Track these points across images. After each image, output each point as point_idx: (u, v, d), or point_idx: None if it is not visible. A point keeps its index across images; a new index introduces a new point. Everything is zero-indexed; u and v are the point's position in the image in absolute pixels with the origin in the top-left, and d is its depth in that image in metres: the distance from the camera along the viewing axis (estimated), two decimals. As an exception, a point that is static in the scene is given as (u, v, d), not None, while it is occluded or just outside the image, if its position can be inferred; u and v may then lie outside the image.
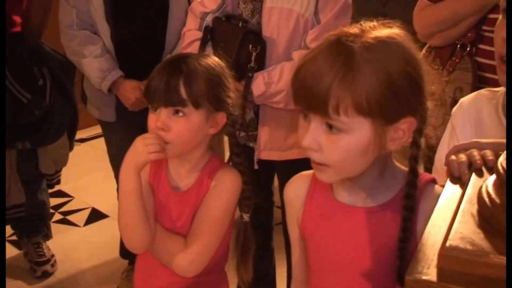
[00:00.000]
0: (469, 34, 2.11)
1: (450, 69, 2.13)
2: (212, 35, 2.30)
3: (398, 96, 1.18)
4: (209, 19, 2.31)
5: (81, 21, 2.60)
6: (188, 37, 2.36)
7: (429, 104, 1.24)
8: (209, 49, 2.28)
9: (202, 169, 1.68)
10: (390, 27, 1.25)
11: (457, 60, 2.13)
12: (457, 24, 2.12)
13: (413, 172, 1.26)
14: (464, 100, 1.72)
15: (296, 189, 1.43)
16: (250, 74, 2.21)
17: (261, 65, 2.24)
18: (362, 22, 1.24)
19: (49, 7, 2.78)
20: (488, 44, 2.07)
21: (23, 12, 2.72)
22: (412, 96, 1.20)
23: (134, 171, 1.59)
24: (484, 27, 2.09)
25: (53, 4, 2.81)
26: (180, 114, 1.60)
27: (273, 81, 2.21)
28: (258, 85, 2.21)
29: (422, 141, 1.28)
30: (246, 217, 1.75)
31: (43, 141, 2.80)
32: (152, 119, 1.62)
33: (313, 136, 1.20)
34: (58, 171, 3.05)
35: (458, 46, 2.13)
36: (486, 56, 2.09)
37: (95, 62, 2.57)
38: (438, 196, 1.15)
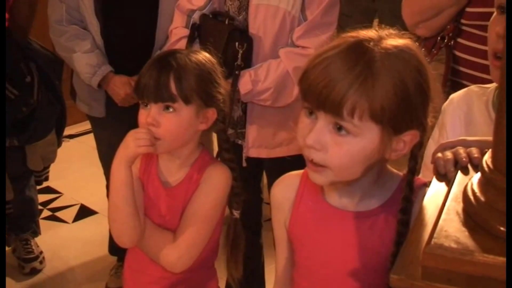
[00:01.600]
0: (448, 27, 2.15)
1: (429, 60, 2.16)
2: (199, 32, 2.30)
3: (410, 107, 1.18)
4: (196, 16, 2.31)
5: (71, 16, 2.59)
6: (175, 34, 2.36)
7: (429, 120, 1.24)
8: (196, 47, 2.27)
9: (192, 164, 1.69)
10: (404, 37, 1.23)
11: (435, 52, 2.17)
12: (437, 14, 2.15)
13: (410, 186, 1.25)
14: (454, 96, 1.72)
15: (284, 191, 1.41)
16: (237, 72, 2.20)
17: (247, 62, 2.24)
18: (376, 28, 1.23)
19: (35, 2, 2.76)
20: (466, 39, 2.11)
21: (9, 8, 2.70)
22: (421, 108, 1.21)
23: (125, 164, 1.59)
24: (463, 21, 2.12)
25: (40, 0, 2.80)
26: (170, 110, 1.60)
27: (260, 79, 2.21)
28: (245, 83, 2.21)
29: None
30: (236, 213, 1.75)
31: (31, 138, 2.78)
32: (143, 115, 1.63)
33: (317, 135, 1.18)
34: (46, 168, 3.03)
35: (439, 38, 2.15)
36: (464, 51, 2.13)
37: (84, 58, 2.56)
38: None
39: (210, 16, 2.29)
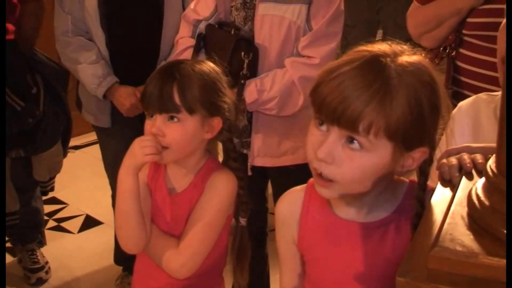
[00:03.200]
0: (450, 37, 2.18)
1: None
2: (205, 42, 2.32)
3: (423, 125, 1.18)
4: (202, 27, 2.33)
5: (76, 28, 2.61)
6: (181, 44, 2.38)
7: (438, 137, 1.25)
8: (201, 56, 2.29)
9: (198, 171, 1.70)
10: (417, 54, 1.23)
11: (437, 62, 2.20)
12: (439, 25, 2.19)
13: (420, 201, 1.25)
14: (463, 104, 1.74)
15: (289, 207, 1.39)
16: (242, 81, 2.21)
17: (253, 72, 2.25)
18: (389, 42, 1.22)
19: (41, 14, 2.79)
20: (468, 49, 2.14)
21: (16, 19, 2.73)
22: (433, 126, 1.21)
23: (132, 172, 1.61)
24: (464, 31, 2.15)
25: (46, 12, 2.82)
26: (175, 120, 1.62)
27: (266, 89, 2.22)
28: (251, 92, 2.22)
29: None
30: (243, 221, 1.76)
31: (37, 149, 2.80)
32: (148, 125, 1.64)
33: (330, 149, 1.16)
34: (52, 178, 3.05)
35: (441, 48, 2.17)
36: (465, 61, 2.15)
37: (90, 69, 2.58)
38: None
39: (216, 26, 2.31)
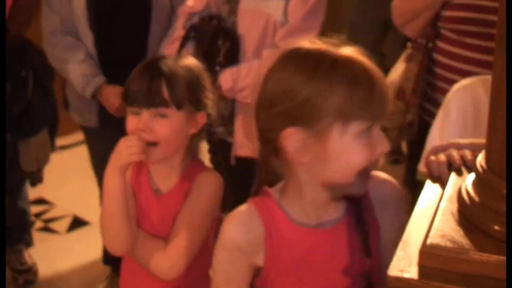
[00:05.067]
0: (428, 29, 2.24)
1: (409, 59, 2.26)
2: (197, 34, 2.41)
3: None
4: (195, 19, 2.43)
5: (64, 28, 2.60)
6: (172, 34, 2.49)
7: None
8: (190, 46, 2.39)
9: (183, 172, 1.69)
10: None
11: (415, 52, 2.27)
12: (416, 17, 2.25)
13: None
14: (458, 86, 1.75)
15: (245, 235, 1.30)
16: (217, 68, 2.31)
17: (231, 62, 2.34)
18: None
19: (34, 8, 2.77)
20: (444, 42, 2.18)
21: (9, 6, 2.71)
22: None
23: (118, 172, 1.60)
24: (439, 24, 2.21)
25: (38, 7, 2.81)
26: (162, 116, 1.61)
27: (241, 77, 2.31)
28: (226, 79, 2.31)
29: None
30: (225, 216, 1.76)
31: (25, 133, 2.79)
32: (133, 122, 1.63)
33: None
34: (41, 169, 3.02)
35: (420, 40, 2.25)
36: (440, 53, 2.23)
37: (78, 68, 2.57)
38: (384, 179, 1.26)
39: (206, 19, 2.41)
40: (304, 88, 1.17)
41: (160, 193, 1.70)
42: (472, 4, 2.10)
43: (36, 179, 3.05)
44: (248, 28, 2.33)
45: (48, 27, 2.62)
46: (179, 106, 1.62)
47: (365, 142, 1.18)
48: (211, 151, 1.77)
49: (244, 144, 2.37)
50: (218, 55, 2.33)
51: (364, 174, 1.21)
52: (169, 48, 2.48)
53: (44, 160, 2.98)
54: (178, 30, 2.47)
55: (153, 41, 2.60)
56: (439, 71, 2.23)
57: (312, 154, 1.20)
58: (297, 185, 1.27)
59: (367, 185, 1.24)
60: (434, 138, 1.72)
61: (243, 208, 1.33)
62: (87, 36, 2.57)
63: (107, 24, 2.58)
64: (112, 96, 2.57)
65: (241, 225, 1.31)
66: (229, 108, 2.39)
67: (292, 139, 1.19)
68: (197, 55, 2.33)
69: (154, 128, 1.61)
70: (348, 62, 1.19)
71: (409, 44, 2.33)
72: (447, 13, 2.18)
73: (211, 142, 1.78)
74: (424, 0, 2.20)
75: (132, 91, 1.64)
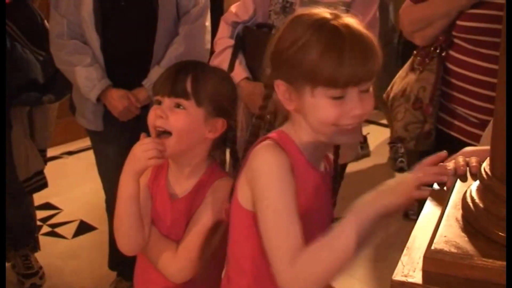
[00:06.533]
0: (441, 38, 2.21)
1: (420, 68, 2.25)
2: (242, 43, 2.41)
3: None
4: (239, 28, 2.43)
5: (71, 31, 2.61)
6: (220, 44, 2.47)
7: None
8: (240, 56, 2.38)
9: (201, 176, 1.70)
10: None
11: (427, 61, 2.23)
12: (429, 25, 2.22)
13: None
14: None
15: (282, 155, 1.33)
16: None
17: None
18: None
19: None
20: (457, 51, 2.16)
21: None
22: None
23: (133, 178, 1.60)
24: (454, 33, 2.18)
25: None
26: (181, 107, 1.63)
27: None
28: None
29: None
30: None
31: (60, 94, 2.91)
32: (153, 110, 1.66)
33: (362, 104, 1.33)
34: (39, 174, 3.05)
35: (432, 48, 2.21)
36: (454, 63, 2.19)
37: (84, 72, 2.58)
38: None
39: (254, 28, 2.39)
40: (291, 48, 1.32)
41: (176, 197, 1.71)
42: (486, 14, 2.08)
43: (40, 183, 3.07)
44: None
45: (55, 30, 2.64)
46: (199, 102, 1.64)
47: (336, 103, 1.31)
48: (232, 164, 1.77)
49: None
50: None
51: (342, 130, 1.33)
52: (215, 59, 2.45)
53: (51, 136, 3.07)
54: (223, 40, 2.44)
55: (159, 44, 2.61)
56: (453, 80, 2.19)
57: (294, 105, 1.36)
58: (299, 128, 1.39)
59: (350, 139, 1.39)
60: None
61: (266, 142, 1.38)
62: (94, 40, 2.59)
63: (114, 28, 2.60)
64: (117, 99, 2.58)
65: (271, 150, 1.35)
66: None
67: (280, 89, 1.37)
68: (250, 66, 2.35)
69: (170, 117, 1.63)
70: (331, 30, 1.31)
71: (415, 52, 2.32)
72: (461, 22, 2.15)
73: (233, 156, 1.77)
74: (440, 9, 2.17)
75: (160, 79, 1.68)
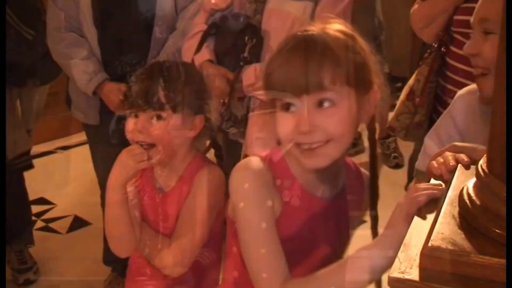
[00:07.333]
0: (441, 33, 2.28)
1: (420, 62, 2.29)
2: (217, 30, 2.44)
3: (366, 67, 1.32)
4: (217, 16, 2.45)
5: (69, 24, 2.62)
6: (194, 28, 2.51)
7: None
8: (210, 41, 2.40)
9: (185, 169, 1.71)
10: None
11: (426, 56, 2.31)
12: (432, 22, 2.29)
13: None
14: (463, 92, 1.77)
15: (265, 174, 1.32)
16: (241, 63, 2.32)
17: (255, 59, 2.36)
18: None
19: None
20: (457, 47, 2.21)
21: None
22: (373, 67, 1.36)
23: (121, 184, 1.62)
24: (453, 28, 2.25)
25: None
26: (159, 118, 1.63)
27: None
28: (249, 75, 2.32)
29: None
30: None
31: (48, 76, 2.85)
32: (131, 122, 1.66)
33: (310, 119, 1.23)
34: (26, 153, 3.01)
35: (436, 45, 2.28)
36: (454, 58, 2.25)
37: (81, 65, 2.58)
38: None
39: (229, 16, 2.43)
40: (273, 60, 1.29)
41: (163, 192, 1.72)
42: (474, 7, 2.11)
43: (27, 163, 3.03)
44: (273, 27, 2.35)
45: (52, 23, 2.64)
46: (175, 109, 1.64)
47: (287, 115, 1.25)
48: (216, 155, 1.79)
49: (255, 143, 2.38)
50: (243, 51, 2.35)
51: (303, 151, 1.25)
52: (187, 42, 2.50)
53: (39, 114, 3.01)
54: (199, 25, 2.48)
55: (156, 39, 2.62)
56: (449, 73, 2.27)
57: None
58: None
59: (313, 163, 1.27)
60: (433, 138, 1.73)
61: (247, 159, 1.36)
62: (91, 33, 2.59)
63: (111, 21, 2.60)
64: (113, 93, 2.58)
65: (252, 168, 1.33)
66: (243, 110, 2.41)
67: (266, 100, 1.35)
68: (217, 51, 2.35)
69: (150, 130, 1.62)
70: (291, 35, 1.30)
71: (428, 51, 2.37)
72: (457, 17, 2.23)
73: (215, 147, 1.79)
74: (440, 5, 2.24)
75: (131, 94, 1.67)
